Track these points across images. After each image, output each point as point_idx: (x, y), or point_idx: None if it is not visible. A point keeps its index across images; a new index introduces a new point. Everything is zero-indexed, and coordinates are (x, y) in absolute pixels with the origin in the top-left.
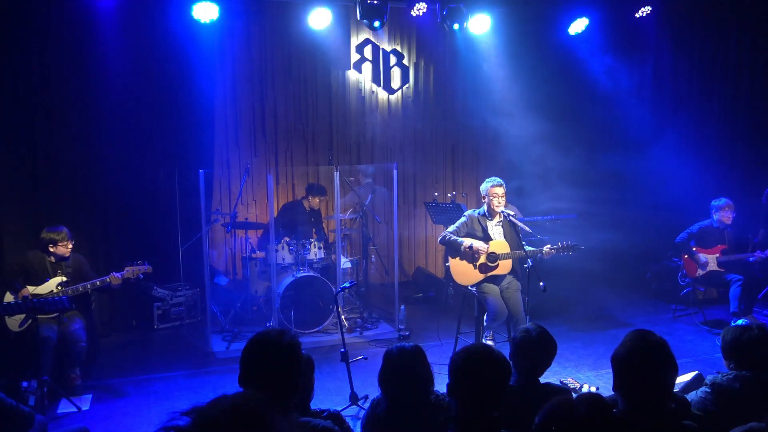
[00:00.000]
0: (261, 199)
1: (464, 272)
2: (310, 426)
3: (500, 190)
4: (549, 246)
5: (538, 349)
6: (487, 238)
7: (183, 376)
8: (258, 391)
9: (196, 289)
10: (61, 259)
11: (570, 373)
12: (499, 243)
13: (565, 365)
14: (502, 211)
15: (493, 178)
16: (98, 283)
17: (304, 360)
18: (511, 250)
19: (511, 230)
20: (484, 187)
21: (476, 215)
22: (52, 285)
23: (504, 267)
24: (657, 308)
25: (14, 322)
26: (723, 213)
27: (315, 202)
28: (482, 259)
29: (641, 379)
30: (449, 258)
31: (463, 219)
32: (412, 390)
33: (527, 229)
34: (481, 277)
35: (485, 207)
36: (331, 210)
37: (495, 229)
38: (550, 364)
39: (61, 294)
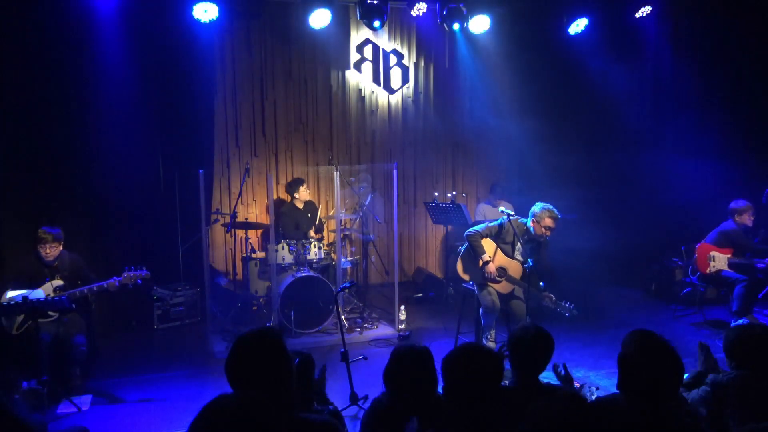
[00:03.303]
0: (261, 199)
1: (469, 270)
2: (309, 420)
3: (553, 225)
4: (552, 298)
5: (534, 346)
6: (512, 248)
7: (183, 376)
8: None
9: (196, 289)
10: (48, 264)
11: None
12: (515, 265)
13: None
14: (503, 210)
15: (554, 209)
16: (95, 288)
17: (307, 360)
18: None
19: (536, 253)
20: (539, 210)
21: (515, 225)
22: (48, 289)
23: (505, 286)
24: (657, 308)
25: (14, 323)
26: (744, 216)
27: (306, 194)
28: (492, 269)
29: (647, 379)
30: (463, 250)
31: (499, 221)
32: (416, 390)
33: (547, 260)
34: (482, 281)
35: (529, 224)
36: (331, 209)
37: (524, 246)
38: (548, 361)
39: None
